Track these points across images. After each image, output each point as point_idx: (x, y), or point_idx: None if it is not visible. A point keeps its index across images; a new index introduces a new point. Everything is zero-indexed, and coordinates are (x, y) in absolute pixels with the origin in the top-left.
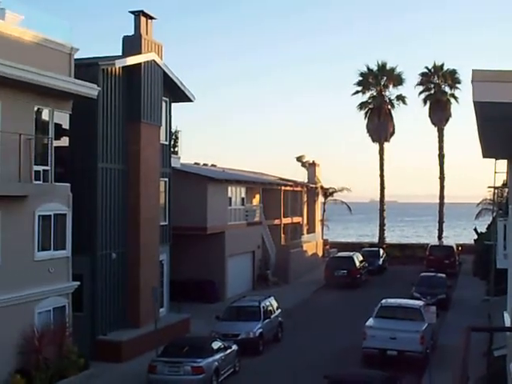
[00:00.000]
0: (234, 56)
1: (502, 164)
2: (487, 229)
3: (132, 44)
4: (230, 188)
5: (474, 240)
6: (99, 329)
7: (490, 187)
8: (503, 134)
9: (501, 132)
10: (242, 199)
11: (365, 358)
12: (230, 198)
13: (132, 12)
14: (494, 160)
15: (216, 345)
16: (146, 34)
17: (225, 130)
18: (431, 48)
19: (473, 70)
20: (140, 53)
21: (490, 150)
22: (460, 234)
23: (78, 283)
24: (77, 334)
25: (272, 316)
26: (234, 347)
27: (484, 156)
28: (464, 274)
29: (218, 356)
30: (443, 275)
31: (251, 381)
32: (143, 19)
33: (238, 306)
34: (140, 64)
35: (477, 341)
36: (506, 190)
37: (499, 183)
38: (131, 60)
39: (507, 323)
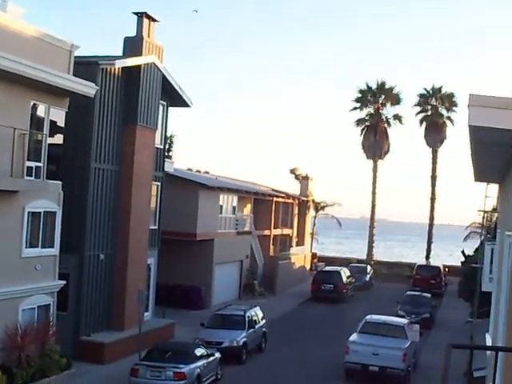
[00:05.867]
0: (230, 65)
1: (493, 189)
2: (475, 252)
3: (133, 45)
4: (221, 196)
5: (461, 262)
6: (83, 329)
7: (479, 211)
8: (496, 159)
9: (493, 157)
10: (234, 208)
11: (347, 373)
12: (222, 206)
13: (135, 13)
14: (485, 184)
15: (199, 351)
16: (148, 36)
17: (219, 138)
18: (431, 70)
19: (469, 95)
20: (141, 54)
21: (482, 174)
22: (448, 255)
23: (64, 282)
24: (60, 334)
25: (256, 326)
26: (217, 355)
27: (476, 180)
28: (449, 295)
29: (200, 363)
30: (428, 295)
31: None
32: (146, 21)
33: (223, 314)
34: (140, 66)
35: (458, 361)
36: (496, 214)
37: (489, 207)
38: (131, 61)
39: (488, 344)
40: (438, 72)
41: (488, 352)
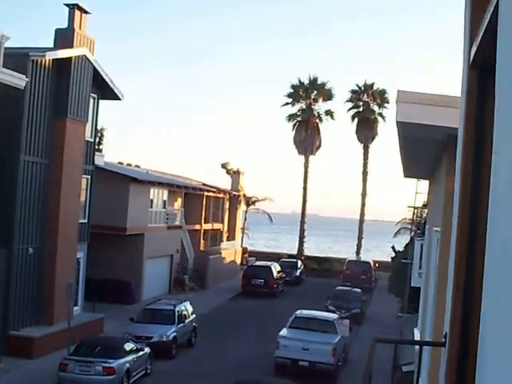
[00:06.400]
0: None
1: (424, 185)
2: (405, 247)
3: (64, 37)
4: (152, 190)
5: (391, 258)
6: (11, 324)
7: (410, 207)
8: (424, 155)
9: (421, 153)
10: (164, 202)
11: (277, 368)
12: (152, 200)
13: (67, 4)
14: (415, 180)
15: (128, 346)
16: (80, 28)
17: (152, 131)
18: (365, 67)
19: (398, 91)
20: (72, 47)
21: (411, 170)
22: (378, 251)
23: None
24: None
25: (186, 321)
26: (147, 350)
27: (405, 176)
28: (379, 290)
29: (129, 358)
30: (359, 290)
31: None
32: (77, 13)
33: (152, 309)
34: (71, 58)
35: (389, 355)
36: (426, 210)
37: (420, 203)
38: (62, 53)
39: (417, 339)
40: (372, 69)
41: (417, 347)
